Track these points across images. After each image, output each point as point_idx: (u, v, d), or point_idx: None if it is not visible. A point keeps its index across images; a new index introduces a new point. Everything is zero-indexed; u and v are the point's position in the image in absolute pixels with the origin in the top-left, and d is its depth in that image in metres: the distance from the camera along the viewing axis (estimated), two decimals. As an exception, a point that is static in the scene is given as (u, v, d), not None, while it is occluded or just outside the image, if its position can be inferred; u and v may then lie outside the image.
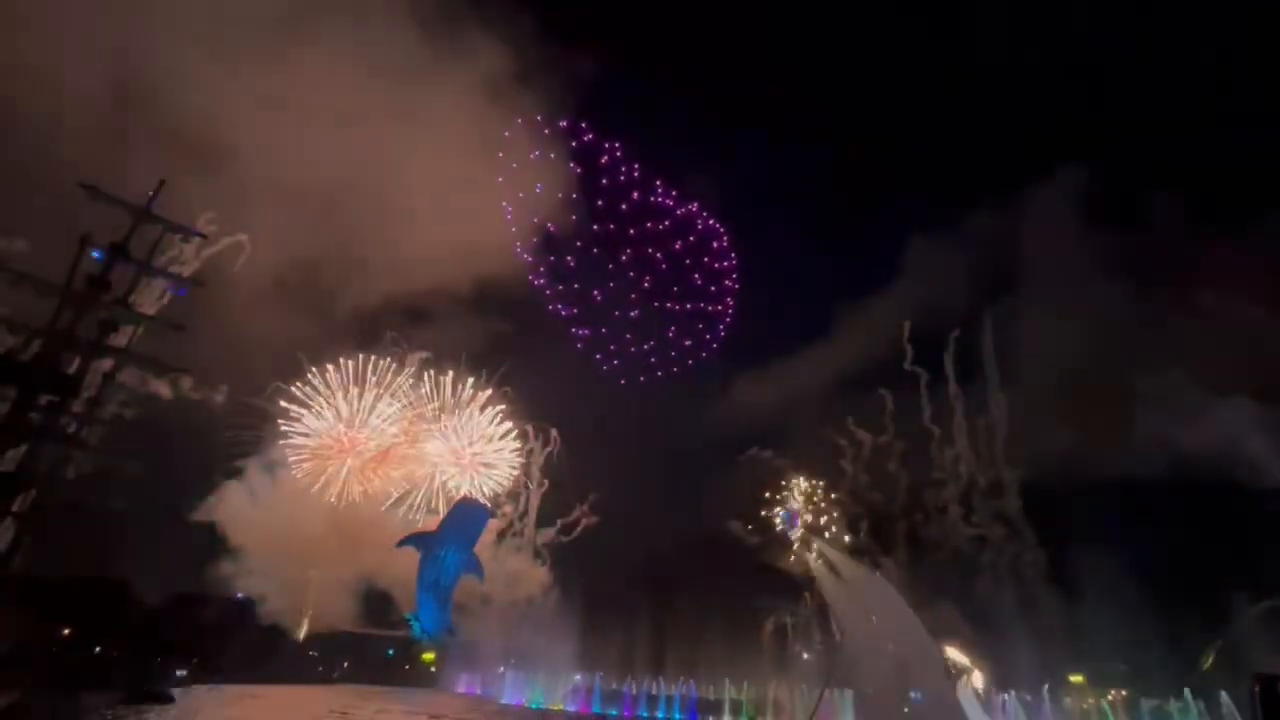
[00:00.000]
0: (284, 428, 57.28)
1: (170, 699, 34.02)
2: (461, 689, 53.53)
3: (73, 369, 35.13)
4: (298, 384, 58.39)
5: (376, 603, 60.67)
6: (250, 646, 51.41)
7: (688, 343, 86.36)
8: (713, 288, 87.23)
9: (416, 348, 64.18)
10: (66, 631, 38.01)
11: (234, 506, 54.08)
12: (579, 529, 65.40)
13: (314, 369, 58.70)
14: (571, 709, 46.28)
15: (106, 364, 37.71)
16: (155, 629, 42.37)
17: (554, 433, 69.15)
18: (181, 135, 40.00)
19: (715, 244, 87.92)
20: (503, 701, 47.77)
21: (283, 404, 57.09)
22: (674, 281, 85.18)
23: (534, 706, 46.67)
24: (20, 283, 34.50)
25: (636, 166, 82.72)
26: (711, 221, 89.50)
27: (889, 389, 71.89)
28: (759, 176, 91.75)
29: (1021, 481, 64.14)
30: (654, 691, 47.87)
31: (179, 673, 42.47)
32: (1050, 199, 79.55)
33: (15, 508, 31.54)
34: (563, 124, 73.93)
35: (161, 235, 39.80)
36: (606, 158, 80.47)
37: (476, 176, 63.31)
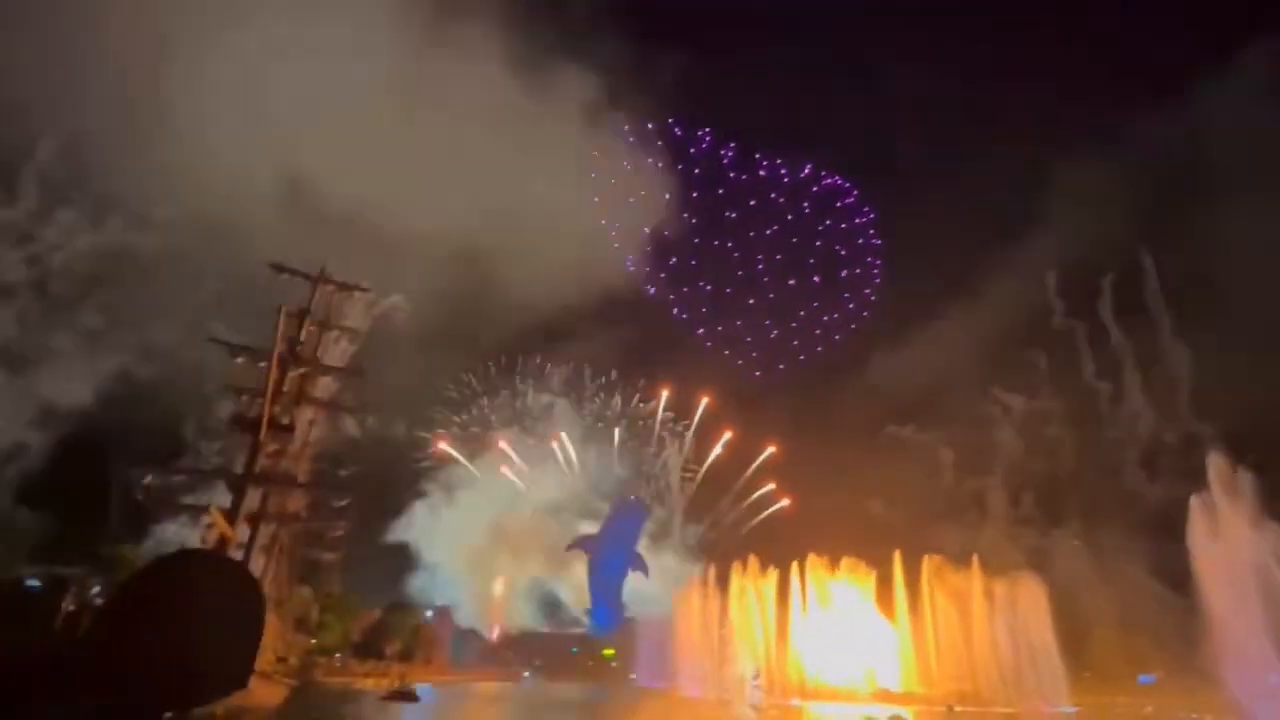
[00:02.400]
0: (452, 452, 63.15)
1: (417, 698, 37.53)
2: (645, 683, 55.68)
3: (286, 420, 41.43)
4: (458, 416, 64.32)
5: (552, 604, 65.14)
6: (452, 648, 57.70)
7: (835, 315, 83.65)
8: (842, 250, 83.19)
9: (558, 363, 68.41)
10: (314, 641, 44.88)
11: (420, 526, 60.82)
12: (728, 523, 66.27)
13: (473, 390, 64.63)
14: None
15: (309, 412, 44.17)
16: (377, 636, 48.97)
17: (689, 436, 70.72)
18: (338, 211, 45.57)
19: (840, 202, 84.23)
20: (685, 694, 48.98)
21: (448, 434, 62.94)
22: (808, 253, 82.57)
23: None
24: (239, 353, 41.22)
25: (733, 146, 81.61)
26: (833, 179, 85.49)
27: (1040, 348, 65.85)
28: (877, 127, 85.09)
29: (1223, 433, 55.48)
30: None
31: (402, 672, 48.24)
32: (1231, 89, 65.72)
33: (262, 541, 37.93)
34: (650, 126, 74.81)
35: (333, 297, 45.77)
36: (705, 145, 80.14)
37: (585, 197, 66.42)
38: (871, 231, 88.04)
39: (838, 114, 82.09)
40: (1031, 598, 40.26)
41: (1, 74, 36.54)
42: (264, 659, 29.96)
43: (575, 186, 61.94)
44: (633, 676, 56.03)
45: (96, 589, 31.61)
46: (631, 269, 74.37)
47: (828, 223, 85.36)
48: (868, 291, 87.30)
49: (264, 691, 30.79)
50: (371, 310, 48.21)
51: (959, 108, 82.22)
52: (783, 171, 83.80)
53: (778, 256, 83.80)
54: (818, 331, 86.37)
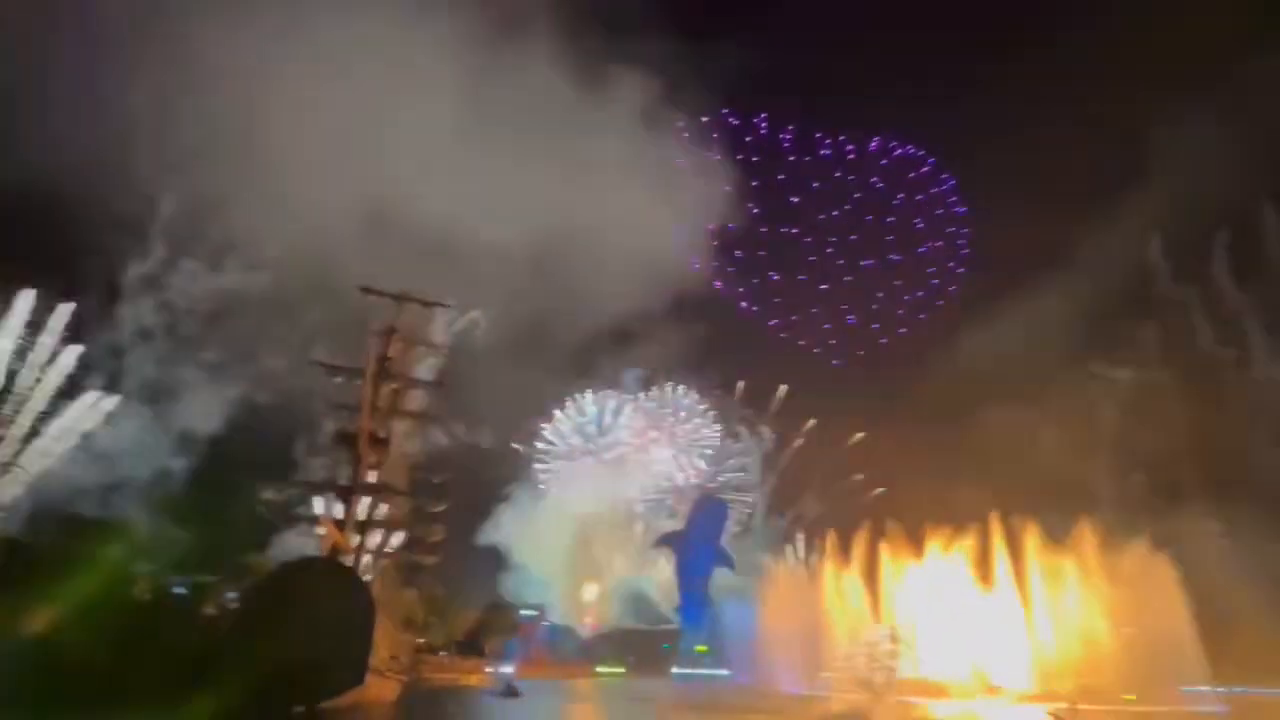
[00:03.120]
0: (534, 457, 65.36)
1: (520, 694, 39.13)
2: (740, 678, 55.29)
3: (383, 433, 44.26)
4: (543, 421, 66.41)
5: (639, 602, 66.07)
6: (547, 646, 59.82)
7: (918, 293, 79.98)
8: (920, 223, 78.89)
9: (629, 365, 69.25)
10: (420, 640, 47.78)
11: (509, 529, 63.31)
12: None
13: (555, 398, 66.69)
14: None
15: (403, 424, 46.91)
16: (478, 634, 51.48)
17: (765, 430, 69.61)
18: (418, 231, 48.04)
19: (914, 173, 79.90)
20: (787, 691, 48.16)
21: (543, 433, 65.14)
22: (883, 231, 78.98)
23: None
24: (338, 373, 44.35)
25: (791, 129, 79.30)
26: (905, 149, 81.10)
27: (1145, 317, 59.96)
28: (946, 90, 79.44)
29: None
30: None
31: (504, 669, 50.54)
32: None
33: (369, 547, 40.71)
34: (705, 119, 73.68)
35: (417, 315, 48.45)
36: (762, 131, 78.28)
37: (645, 197, 66.73)
38: (952, 199, 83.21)
39: (902, 80, 77.98)
40: (1163, 581, 36.66)
41: (127, 139, 40.96)
42: (377, 657, 32.11)
43: (635, 188, 62.46)
44: (727, 672, 55.86)
45: (231, 594, 35.05)
46: (697, 266, 73.89)
47: (900, 196, 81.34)
48: (952, 264, 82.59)
49: (379, 687, 33.05)
50: (452, 326, 50.54)
51: (1036, 60, 75.92)
52: (849, 148, 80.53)
53: (852, 237, 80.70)
54: (900, 312, 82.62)
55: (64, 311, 37.77)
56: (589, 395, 68.58)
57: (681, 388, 70.15)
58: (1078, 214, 68.92)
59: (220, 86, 44.45)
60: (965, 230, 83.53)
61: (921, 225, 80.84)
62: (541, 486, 64.95)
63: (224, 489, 42.55)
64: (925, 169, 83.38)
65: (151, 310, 40.18)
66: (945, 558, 45.44)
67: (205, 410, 39.80)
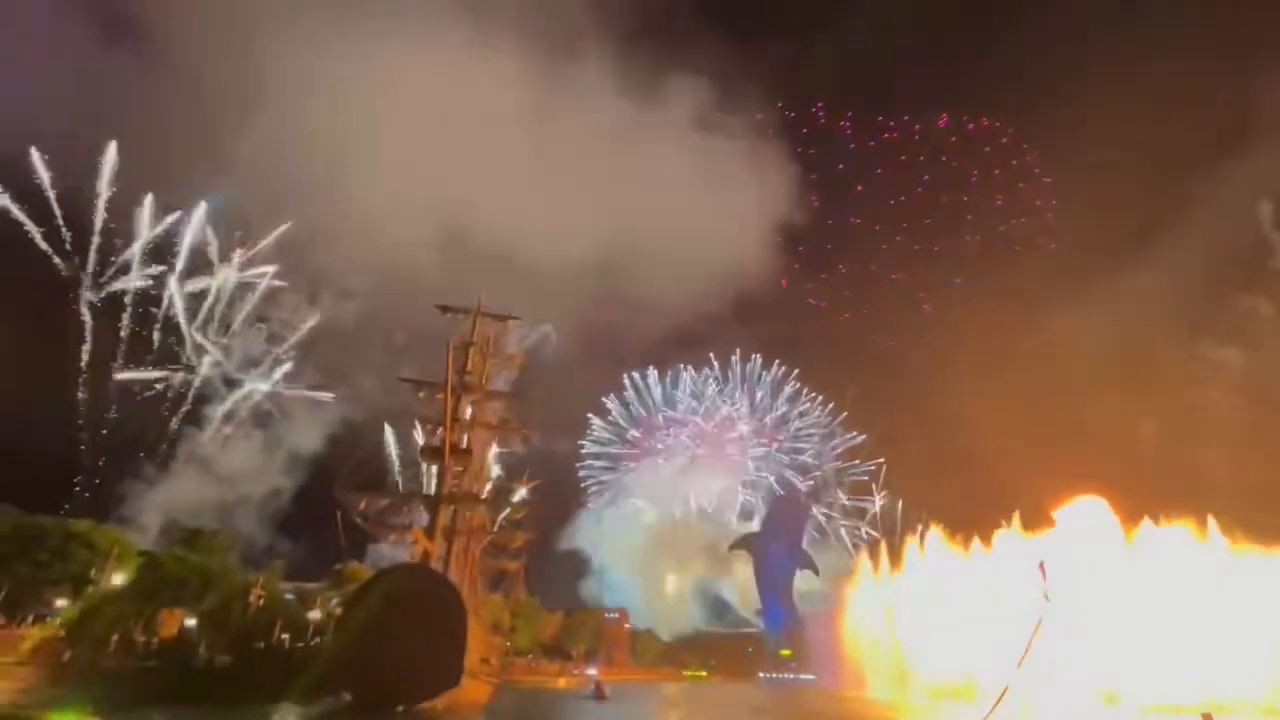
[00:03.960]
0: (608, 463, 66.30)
1: (608, 697, 39.99)
2: (825, 683, 53.91)
3: (465, 443, 46.27)
4: (611, 426, 67.33)
5: (719, 605, 65.54)
6: (631, 649, 60.36)
7: (1001, 274, 75.43)
8: (1000, 200, 74.43)
9: (700, 366, 69.15)
10: (508, 644, 49.36)
11: (587, 533, 64.47)
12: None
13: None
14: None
15: (483, 434, 48.85)
16: (563, 638, 52.76)
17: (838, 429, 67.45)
18: (491, 250, 49.98)
19: (988, 147, 75.31)
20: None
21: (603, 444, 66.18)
22: (959, 211, 74.95)
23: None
24: (422, 388, 46.77)
25: (850, 116, 76.57)
26: (978, 122, 76.60)
27: (1256, 293, 53.54)
28: (1021, 58, 74.11)
29: None
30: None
31: (591, 672, 51.46)
32: None
33: (456, 554, 42.53)
34: (759, 117, 72.46)
35: (491, 329, 50.39)
36: (820, 120, 76.10)
37: (705, 200, 66.59)
38: (1036, 171, 77.89)
39: (968, 52, 73.53)
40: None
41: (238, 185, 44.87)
42: (470, 660, 33.46)
43: (695, 192, 62.44)
44: (811, 676, 54.46)
45: (335, 600, 37.53)
46: (761, 265, 72.73)
47: (975, 174, 76.85)
48: (1040, 242, 77.32)
49: (473, 689, 34.38)
50: (524, 340, 52.16)
51: (1117, 23, 69.81)
52: (916, 128, 76.91)
53: (926, 221, 76.98)
54: (983, 296, 78.13)
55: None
56: (659, 397, 68.77)
57: (752, 388, 69.19)
58: (1179, 182, 62.43)
59: (303, 132, 47.90)
60: (1053, 203, 77.92)
61: (1002, 202, 76.09)
62: (618, 491, 65.44)
63: (325, 503, 45.60)
64: (1004, 140, 78.42)
65: (260, 341, 43.65)
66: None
67: (308, 431, 42.95)
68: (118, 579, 28.38)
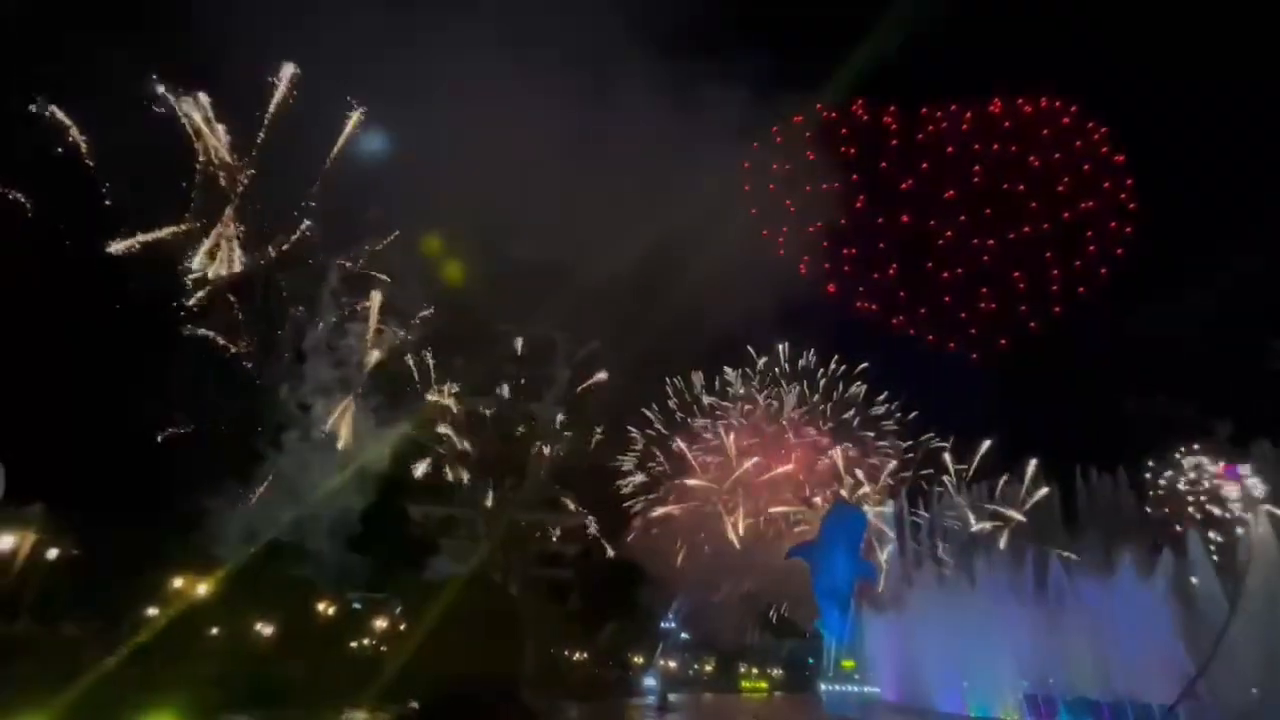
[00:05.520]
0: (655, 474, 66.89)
1: (673, 708, 40.58)
2: (892, 697, 52.21)
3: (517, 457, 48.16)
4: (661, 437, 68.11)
5: (775, 614, 64.59)
6: (687, 659, 60.39)
7: (1074, 264, 71.54)
8: (1065, 183, 69.92)
9: (749, 379, 69.00)
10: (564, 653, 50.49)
11: (640, 541, 64.88)
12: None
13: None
14: None
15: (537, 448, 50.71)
16: (618, 648, 53.37)
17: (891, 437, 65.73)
18: (538, 270, 51.31)
19: (1046, 130, 71.19)
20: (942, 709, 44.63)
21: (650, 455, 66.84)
22: (1021, 200, 70.97)
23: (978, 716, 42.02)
24: (474, 405, 48.88)
25: (892, 109, 73.88)
26: (1039, 102, 72.29)
27: None
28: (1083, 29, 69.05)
29: None
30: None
31: (651, 682, 51.84)
32: None
33: (513, 563, 44.10)
34: (798, 120, 71.00)
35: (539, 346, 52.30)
36: (863, 117, 73.89)
37: (748, 209, 66.40)
38: (1104, 150, 73.00)
39: (1019, 28, 69.22)
40: None
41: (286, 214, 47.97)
42: (528, 668, 34.56)
43: (736, 199, 62.30)
44: (875, 689, 52.79)
45: (399, 609, 39.51)
46: (807, 271, 71.46)
47: (1032, 159, 72.79)
48: (1115, 225, 72.52)
49: (531, 698, 35.44)
50: (574, 357, 53.51)
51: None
52: (966, 115, 73.50)
53: (986, 211, 73.53)
54: (1054, 289, 74.03)
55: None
56: (710, 408, 68.75)
57: (804, 396, 68.39)
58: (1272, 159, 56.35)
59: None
60: (1128, 182, 72.89)
61: (1061, 189, 71.82)
62: (665, 499, 65.56)
63: (391, 517, 48.05)
64: (1067, 121, 74.01)
65: (328, 368, 46.37)
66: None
67: (376, 450, 45.38)
68: (202, 589, 30.86)
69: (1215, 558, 36.38)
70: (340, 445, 44.39)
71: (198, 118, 44.55)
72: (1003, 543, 49.82)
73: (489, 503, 48.14)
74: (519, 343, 52.65)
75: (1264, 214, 59.39)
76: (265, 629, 32.09)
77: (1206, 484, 55.92)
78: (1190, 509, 50.95)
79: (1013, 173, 73.53)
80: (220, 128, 45.43)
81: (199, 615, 28.75)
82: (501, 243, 51.09)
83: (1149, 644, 36.23)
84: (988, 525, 55.85)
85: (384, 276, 48.76)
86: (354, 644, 35.05)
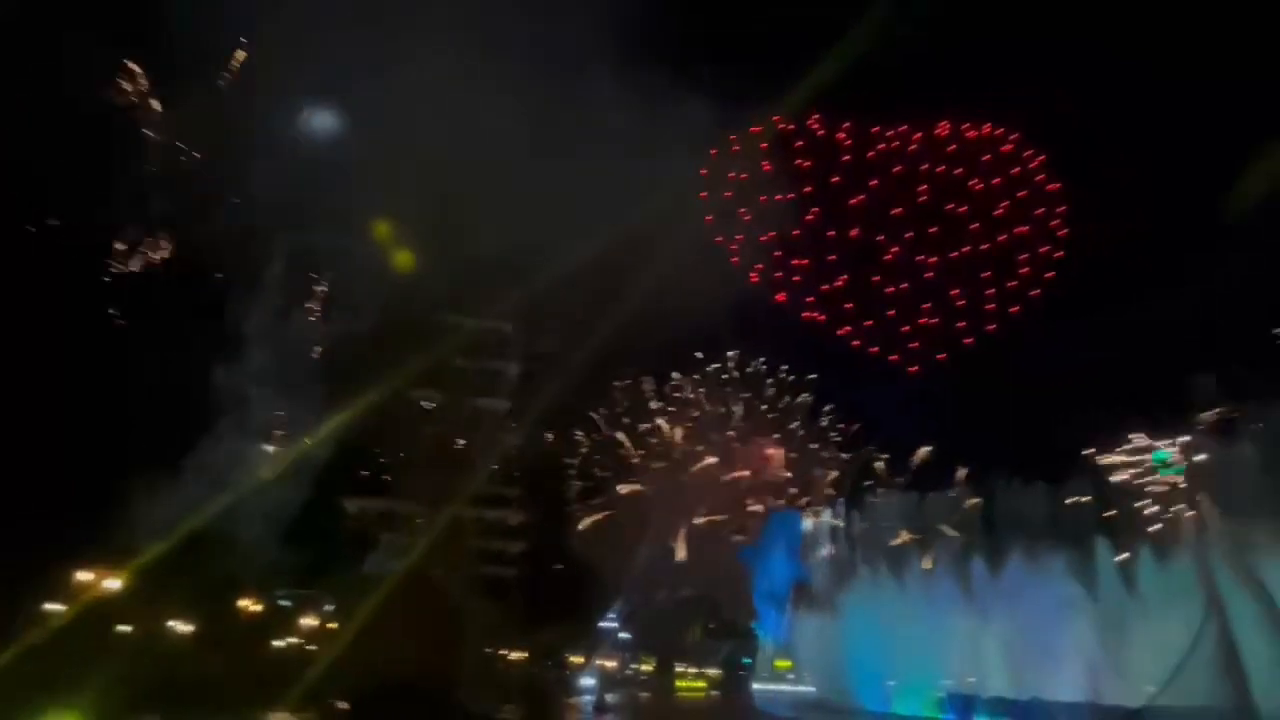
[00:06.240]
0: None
1: (611, 709, 40.96)
2: (823, 694, 53.71)
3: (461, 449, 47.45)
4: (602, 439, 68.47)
5: (714, 617, 65.71)
6: (626, 658, 60.83)
7: (1010, 284, 75.28)
8: (1001, 210, 73.95)
9: (697, 385, 69.96)
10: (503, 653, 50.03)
11: (584, 541, 64.97)
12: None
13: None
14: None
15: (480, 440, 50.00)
16: (558, 648, 53.27)
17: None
18: (494, 265, 50.63)
19: (988, 156, 75.08)
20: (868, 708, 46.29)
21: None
22: (962, 221, 74.72)
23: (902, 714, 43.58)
24: (422, 396, 47.90)
25: (847, 125, 76.45)
26: (979, 130, 76.42)
27: None
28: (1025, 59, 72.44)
29: None
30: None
31: (590, 682, 51.76)
32: None
33: (451, 559, 43.35)
34: (754, 130, 72.44)
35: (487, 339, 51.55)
36: (817, 132, 76.16)
37: (704, 217, 67.39)
38: (1040, 178, 77.37)
39: (973, 56, 72.42)
40: None
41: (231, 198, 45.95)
42: (463, 669, 33.93)
43: (691, 208, 63.09)
44: (810, 688, 54.38)
45: (329, 606, 38.29)
46: (758, 280, 73.11)
47: (974, 182, 76.68)
48: (1046, 250, 76.80)
49: (466, 699, 34.86)
50: (522, 354, 53.04)
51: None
52: (916, 137, 76.93)
53: (931, 230, 76.81)
54: (989, 308, 77.73)
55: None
56: (656, 412, 69.36)
57: (750, 403, 69.88)
58: (1216, 178, 57.88)
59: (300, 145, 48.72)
60: (1059, 210, 77.47)
61: (1002, 211, 75.96)
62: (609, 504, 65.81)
63: (328, 511, 46.51)
64: (1006, 148, 78.09)
65: (269, 356, 44.55)
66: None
67: (317, 442, 43.74)
68: (112, 583, 29.14)
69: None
70: (279, 434, 42.70)
71: (133, 90, 42.09)
72: (932, 550, 52.11)
73: (431, 498, 47.06)
74: (468, 335, 51.69)
75: (1186, 248, 63.84)
76: (182, 626, 30.51)
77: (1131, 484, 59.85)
78: (1108, 512, 54.23)
79: (956, 194, 77.20)
80: (156, 102, 43.16)
81: (108, 611, 27.06)
82: (455, 235, 50.22)
83: (1061, 645, 38.84)
84: (919, 534, 58.20)
85: (333, 262, 47.25)
86: (280, 642, 33.77)
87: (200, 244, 46.05)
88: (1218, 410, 42.67)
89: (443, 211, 49.03)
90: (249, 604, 34.60)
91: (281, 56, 44.87)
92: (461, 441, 48.42)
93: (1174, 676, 27.68)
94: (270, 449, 42.50)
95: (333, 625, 33.99)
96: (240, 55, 43.58)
